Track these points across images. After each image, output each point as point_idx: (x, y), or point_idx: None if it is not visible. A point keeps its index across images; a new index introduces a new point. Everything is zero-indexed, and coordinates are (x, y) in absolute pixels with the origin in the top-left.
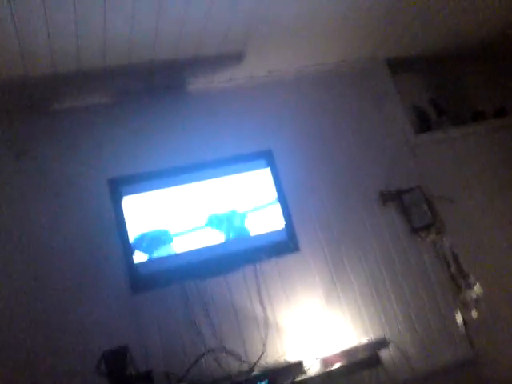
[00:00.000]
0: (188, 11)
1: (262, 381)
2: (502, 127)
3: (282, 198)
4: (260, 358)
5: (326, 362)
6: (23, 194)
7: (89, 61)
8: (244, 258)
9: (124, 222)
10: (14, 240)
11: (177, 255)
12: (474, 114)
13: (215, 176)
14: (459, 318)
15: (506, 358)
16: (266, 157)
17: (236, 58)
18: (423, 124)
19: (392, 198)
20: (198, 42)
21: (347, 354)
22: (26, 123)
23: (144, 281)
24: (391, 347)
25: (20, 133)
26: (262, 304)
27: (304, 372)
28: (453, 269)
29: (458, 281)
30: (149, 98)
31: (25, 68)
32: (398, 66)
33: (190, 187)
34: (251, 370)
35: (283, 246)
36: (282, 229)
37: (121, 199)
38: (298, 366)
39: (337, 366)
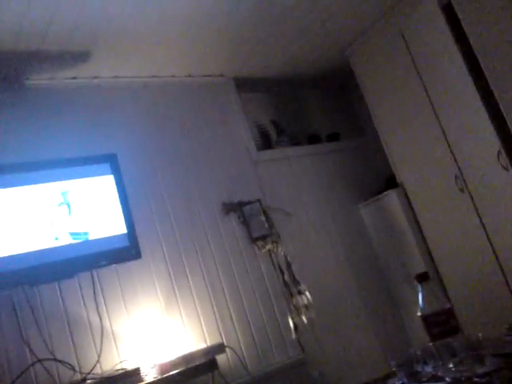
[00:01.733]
0: (32, 1)
1: None
2: (334, 150)
3: (124, 204)
4: (94, 366)
5: (163, 368)
6: None
7: None
8: (81, 263)
9: None
10: None
11: (3, 259)
12: (311, 137)
13: (52, 179)
14: (291, 323)
15: (330, 357)
16: (110, 160)
17: (81, 57)
18: (265, 142)
19: (233, 208)
20: (41, 35)
21: (185, 359)
22: None
23: None
24: (228, 352)
25: None
26: (98, 312)
27: (141, 379)
28: (286, 277)
29: (290, 288)
30: None
31: None
32: (244, 84)
33: (21, 190)
34: (84, 379)
35: (124, 252)
36: (124, 234)
37: None
38: (134, 373)
39: (174, 371)
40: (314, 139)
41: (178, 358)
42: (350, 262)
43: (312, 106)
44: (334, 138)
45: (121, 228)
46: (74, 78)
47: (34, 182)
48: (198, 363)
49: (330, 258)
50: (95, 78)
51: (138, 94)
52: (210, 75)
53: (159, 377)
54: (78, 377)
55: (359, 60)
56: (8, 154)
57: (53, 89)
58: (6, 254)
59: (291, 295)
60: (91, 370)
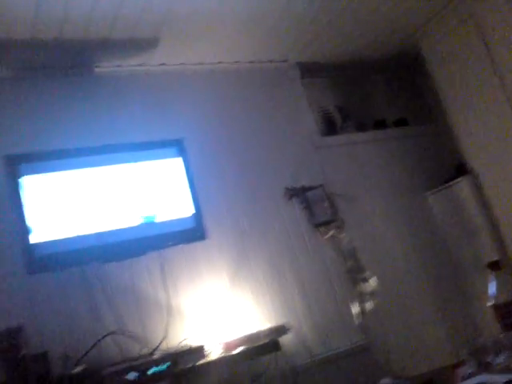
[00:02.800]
0: None
1: (162, 364)
2: (401, 136)
3: (191, 187)
4: (161, 342)
5: (227, 347)
6: None
7: None
8: (150, 243)
9: (20, 201)
10: None
11: (79, 238)
12: (376, 122)
13: (124, 161)
14: (355, 309)
15: (394, 344)
16: (178, 145)
17: (149, 44)
18: (329, 127)
19: (296, 193)
20: (110, 23)
21: (248, 339)
22: None
23: (41, 262)
24: (291, 334)
25: None
26: (165, 289)
27: (205, 356)
28: (350, 263)
29: (354, 274)
30: (55, 75)
31: None
32: (308, 69)
33: (95, 171)
34: (152, 353)
35: (191, 233)
36: (191, 216)
37: (18, 177)
38: (199, 350)
39: (238, 350)
40: (380, 125)
41: (242, 338)
42: (416, 249)
43: (378, 91)
44: (401, 123)
45: (187, 210)
46: (142, 64)
47: (107, 163)
48: (261, 343)
49: (395, 245)
50: (162, 64)
51: (203, 81)
52: (273, 61)
53: (223, 355)
54: (146, 351)
55: (429, 43)
56: (80, 139)
57: (121, 76)
58: (80, 233)
59: (355, 282)
60: (158, 346)
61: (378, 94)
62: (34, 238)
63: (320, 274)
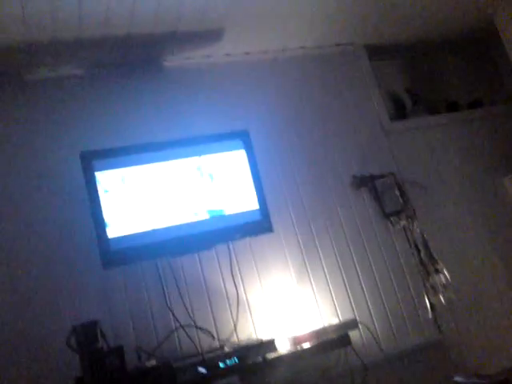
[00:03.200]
0: None
1: (232, 358)
2: (475, 119)
3: (256, 179)
4: (231, 335)
5: (296, 341)
6: None
7: (64, 30)
8: (218, 236)
9: (97, 197)
10: None
11: (150, 232)
12: (449, 104)
13: (190, 155)
14: (427, 302)
15: (469, 340)
16: (243, 137)
17: (215, 35)
18: (399, 111)
19: (365, 182)
20: (176, 17)
21: (317, 333)
22: None
23: (116, 256)
24: (361, 328)
25: None
26: (234, 282)
27: (275, 350)
28: (422, 254)
29: (427, 266)
30: (124, 72)
31: None
32: (376, 52)
33: (163, 165)
34: (222, 346)
35: (257, 226)
36: (257, 209)
37: (93, 173)
38: (269, 344)
39: (307, 345)
40: (453, 107)
41: (311, 332)
42: (493, 239)
43: (450, 72)
44: (476, 105)
45: (253, 203)
46: (208, 56)
47: (174, 157)
48: (331, 338)
49: (470, 235)
50: (228, 55)
51: (268, 70)
52: (339, 44)
53: (293, 349)
54: (217, 344)
55: (506, 19)
56: (148, 134)
57: (188, 69)
58: (151, 228)
59: (428, 274)
60: (228, 338)
61: (449, 74)
62: (110, 233)
63: (391, 266)
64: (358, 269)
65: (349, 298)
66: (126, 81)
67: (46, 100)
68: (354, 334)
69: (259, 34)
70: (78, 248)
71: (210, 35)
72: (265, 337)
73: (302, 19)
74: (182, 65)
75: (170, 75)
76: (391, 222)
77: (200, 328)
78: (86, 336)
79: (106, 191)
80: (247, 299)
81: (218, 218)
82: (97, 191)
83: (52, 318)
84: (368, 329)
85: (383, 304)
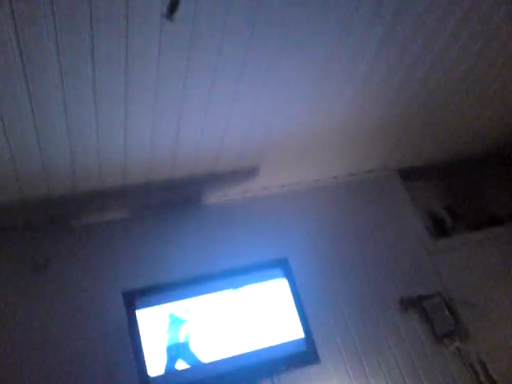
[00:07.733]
0: (205, 131)
1: None
2: None
3: (299, 307)
4: None
5: None
6: (41, 305)
7: (109, 180)
8: (262, 369)
9: (138, 335)
10: (34, 348)
11: (192, 368)
12: (491, 219)
13: (229, 287)
14: None
15: None
16: (282, 265)
17: (251, 173)
18: (439, 229)
19: (413, 304)
20: (214, 158)
21: None
22: (45, 238)
23: None
24: None
25: (40, 247)
26: None
27: None
28: (482, 377)
29: None
30: (166, 212)
31: (47, 187)
32: (409, 174)
33: (202, 299)
34: None
35: (302, 356)
36: (301, 339)
37: (135, 312)
38: None
39: None
40: (495, 221)
41: None
42: None
43: (488, 186)
44: None
45: (297, 333)
46: (245, 191)
47: (213, 290)
48: None
49: None
50: (264, 188)
51: (303, 200)
52: (372, 170)
53: None
54: None
55: None
56: (188, 269)
57: (225, 205)
58: (192, 364)
59: None
60: None
61: (488, 188)
62: (151, 371)
63: None
64: None
65: None
66: (167, 220)
67: (91, 244)
68: None
69: (293, 168)
70: None
71: (247, 172)
72: None
73: (334, 150)
74: (220, 201)
75: (209, 212)
76: (444, 344)
77: None
78: None
79: (146, 328)
80: None
81: (260, 350)
82: (138, 329)
83: None
84: None
85: None
